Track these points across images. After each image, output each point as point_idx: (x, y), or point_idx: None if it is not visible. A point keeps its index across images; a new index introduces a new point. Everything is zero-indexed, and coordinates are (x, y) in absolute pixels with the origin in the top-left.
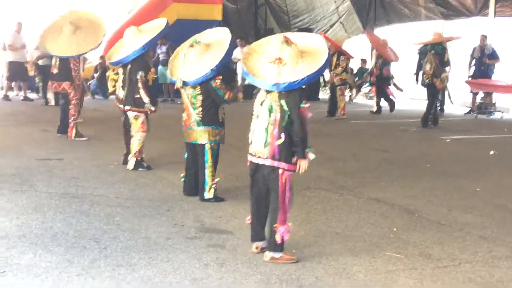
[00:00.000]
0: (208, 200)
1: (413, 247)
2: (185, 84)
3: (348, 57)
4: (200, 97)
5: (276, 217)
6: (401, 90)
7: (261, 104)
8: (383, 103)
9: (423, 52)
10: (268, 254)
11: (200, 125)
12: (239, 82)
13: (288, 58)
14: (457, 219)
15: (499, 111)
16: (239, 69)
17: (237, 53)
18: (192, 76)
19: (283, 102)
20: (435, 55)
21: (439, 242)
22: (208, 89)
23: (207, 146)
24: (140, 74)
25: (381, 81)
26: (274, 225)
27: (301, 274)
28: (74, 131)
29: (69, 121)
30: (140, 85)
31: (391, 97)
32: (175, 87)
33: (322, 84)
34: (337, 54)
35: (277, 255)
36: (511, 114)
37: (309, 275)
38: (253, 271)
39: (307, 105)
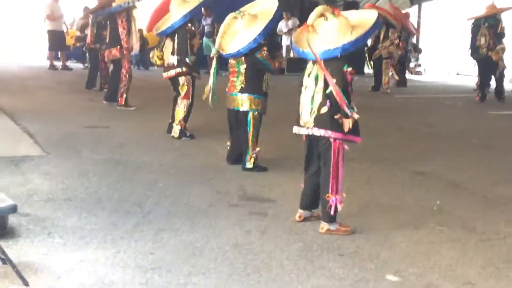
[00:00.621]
0: (250, 169)
1: (456, 220)
2: (228, 56)
3: (397, 30)
4: (243, 66)
5: (327, 186)
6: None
7: (308, 76)
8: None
9: (477, 26)
10: (323, 226)
11: (243, 92)
12: (284, 55)
13: (327, 28)
14: (503, 193)
15: None
16: (284, 42)
17: (282, 26)
18: (236, 46)
19: (328, 69)
20: (489, 28)
21: (484, 216)
22: (254, 61)
23: (250, 116)
24: (188, 27)
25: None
26: (327, 195)
27: (342, 243)
28: (124, 98)
29: (120, 86)
30: (188, 35)
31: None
32: (211, 56)
33: (367, 58)
34: (386, 26)
35: (333, 226)
36: None
37: (351, 244)
38: (294, 239)
39: (349, 68)
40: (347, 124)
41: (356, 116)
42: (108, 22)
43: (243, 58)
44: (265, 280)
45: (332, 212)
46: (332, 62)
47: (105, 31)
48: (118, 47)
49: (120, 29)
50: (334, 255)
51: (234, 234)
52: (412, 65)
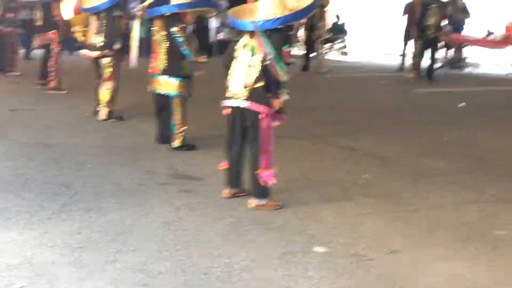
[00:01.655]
0: (179, 148)
1: (383, 193)
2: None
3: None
4: (165, 45)
5: (259, 162)
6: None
7: (244, 47)
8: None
9: (425, 6)
10: (253, 201)
11: (165, 74)
12: (212, 38)
13: (266, 5)
14: (429, 166)
15: (470, 65)
16: (213, 24)
17: None
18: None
19: (266, 43)
20: (439, 7)
21: (410, 188)
22: (172, 40)
23: (174, 100)
24: (115, 13)
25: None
26: (258, 171)
27: (271, 218)
28: (56, 81)
29: (52, 69)
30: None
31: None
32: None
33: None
34: (320, 8)
35: (262, 202)
36: (481, 69)
37: (279, 218)
38: (224, 215)
39: (288, 49)
40: (277, 103)
41: (285, 97)
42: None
43: (164, 35)
44: (195, 255)
45: (264, 187)
46: (274, 36)
47: (9, 13)
48: (55, 30)
49: (56, 13)
50: (263, 229)
51: (163, 211)
52: (339, 46)
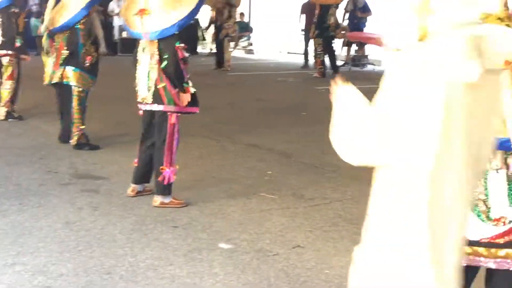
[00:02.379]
0: (78, 147)
1: (287, 188)
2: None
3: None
4: (67, 37)
5: (162, 159)
6: None
7: (143, 51)
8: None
9: (325, 6)
10: (157, 199)
11: (67, 65)
12: (116, 36)
13: (156, 6)
14: (331, 162)
15: (372, 63)
16: (116, 22)
17: (114, 7)
18: (62, 20)
19: (161, 45)
20: (336, 8)
21: (313, 183)
22: (74, 33)
23: (75, 92)
24: (12, 9)
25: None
26: (161, 167)
27: (176, 216)
28: None
29: None
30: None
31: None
32: (38, 32)
33: (201, 38)
34: (229, 6)
35: (167, 199)
36: (382, 66)
37: (184, 216)
38: (127, 214)
39: (182, 44)
40: (186, 98)
41: (192, 90)
42: None
43: (68, 31)
44: (98, 255)
45: (166, 184)
46: (165, 39)
47: None
48: None
49: None
50: (168, 227)
51: (65, 212)
52: (244, 44)
